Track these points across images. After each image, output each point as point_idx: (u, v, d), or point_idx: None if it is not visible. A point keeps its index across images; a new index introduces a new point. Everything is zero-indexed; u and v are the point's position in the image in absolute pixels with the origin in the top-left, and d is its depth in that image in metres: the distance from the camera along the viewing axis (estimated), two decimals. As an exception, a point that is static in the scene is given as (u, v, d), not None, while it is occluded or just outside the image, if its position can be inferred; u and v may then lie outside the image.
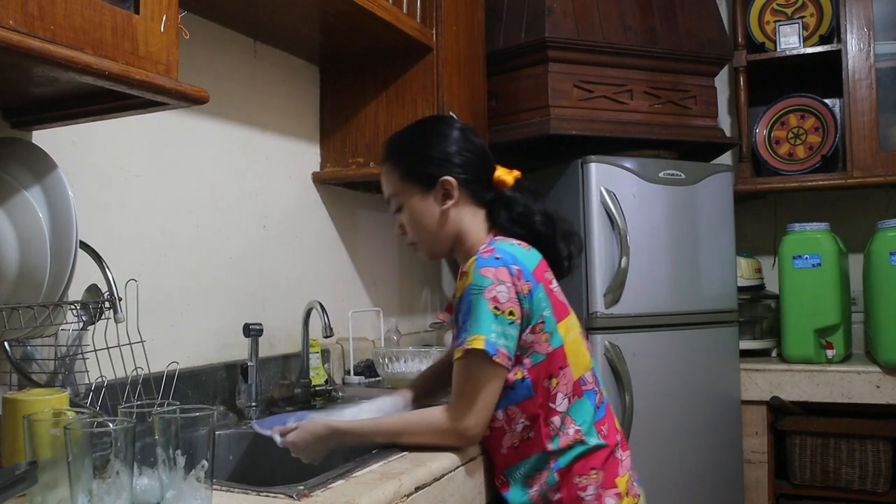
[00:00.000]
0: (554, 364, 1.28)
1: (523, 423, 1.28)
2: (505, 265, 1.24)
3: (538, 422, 1.28)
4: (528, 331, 1.26)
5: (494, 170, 1.41)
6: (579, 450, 1.28)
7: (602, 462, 1.29)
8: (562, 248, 1.38)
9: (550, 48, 2.31)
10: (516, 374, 1.27)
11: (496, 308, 1.21)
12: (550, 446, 1.27)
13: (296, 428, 1.32)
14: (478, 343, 1.20)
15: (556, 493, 1.28)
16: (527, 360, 1.27)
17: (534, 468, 1.29)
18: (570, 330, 1.32)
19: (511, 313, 1.22)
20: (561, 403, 1.28)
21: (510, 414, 1.28)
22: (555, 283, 1.33)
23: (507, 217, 1.37)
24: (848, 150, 2.59)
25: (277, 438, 1.34)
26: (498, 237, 1.35)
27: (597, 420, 1.31)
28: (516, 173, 1.41)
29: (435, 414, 1.27)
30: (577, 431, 1.28)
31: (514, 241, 1.32)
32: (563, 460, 1.28)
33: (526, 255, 1.30)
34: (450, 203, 1.36)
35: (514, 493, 1.31)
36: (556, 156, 2.36)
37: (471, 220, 1.39)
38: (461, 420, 1.23)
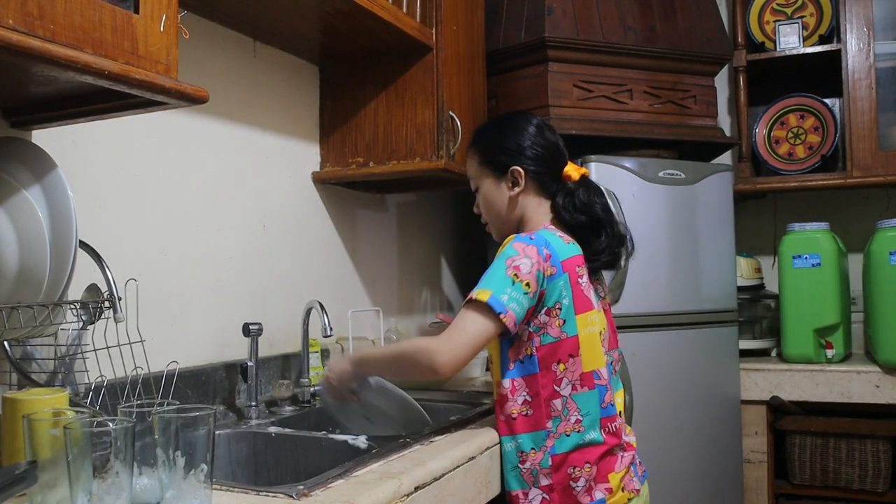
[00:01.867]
0: (563, 350, 1.35)
1: (525, 397, 1.35)
2: (536, 245, 1.34)
3: (539, 400, 1.34)
4: (542, 312, 1.34)
5: (565, 165, 1.51)
6: (577, 440, 1.33)
7: (598, 457, 1.34)
8: (610, 243, 1.45)
9: (550, 48, 2.31)
10: (527, 350, 1.35)
11: (515, 275, 1.30)
12: (549, 425, 1.33)
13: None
14: (482, 296, 1.29)
15: (546, 477, 1.33)
16: (537, 339, 1.35)
17: (529, 444, 1.34)
18: (589, 325, 1.38)
19: (528, 284, 1.30)
20: (565, 388, 1.34)
21: (515, 385, 1.36)
22: (584, 279, 1.40)
23: (567, 204, 1.46)
24: (848, 149, 2.59)
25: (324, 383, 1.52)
26: (549, 226, 1.44)
27: (603, 416, 1.36)
28: (584, 170, 1.52)
29: (422, 341, 1.36)
30: (577, 421, 1.34)
31: (558, 233, 1.40)
32: (560, 447, 1.33)
33: (563, 245, 1.38)
34: (517, 190, 1.48)
35: (507, 462, 1.37)
36: (555, 155, 2.36)
37: (535, 208, 1.49)
38: (437, 345, 1.29)
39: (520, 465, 1.35)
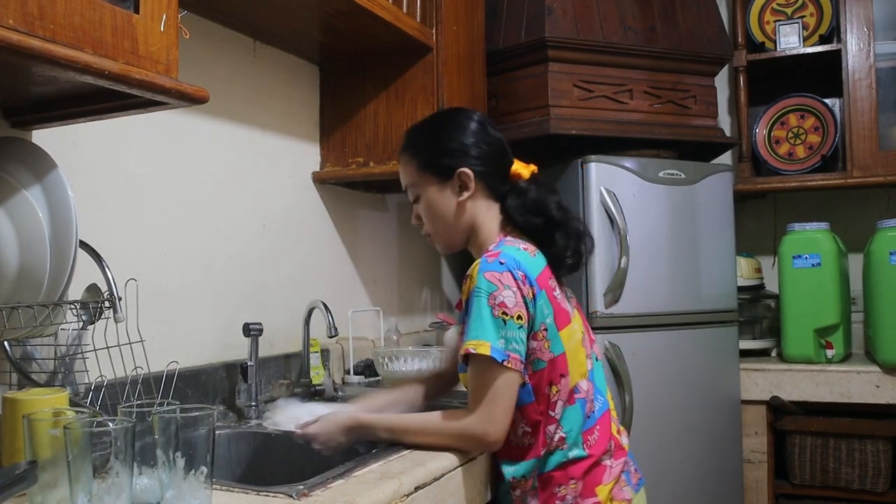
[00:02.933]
0: (555, 371, 1.28)
1: (524, 428, 1.29)
2: (509, 270, 1.24)
3: (538, 429, 1.28)
4: (531, 337, 1.26)
5: (512, 163, 1.41)
6: (560, 458, 1.28)
7: (583, 472, 1.28)
8: (569, 243, 1.36)
9: (550, 48, 2.31)
10: (520, 378, 1.26)
11: (504, 314, 1.21)
12: (542, 451, 1.28)
13: (315, 421, 1.34)
14: (483, 349, 1.21)
15: (533, 498, 1.29)
16: (528, 367, 1.27)
17: (523, 473, 1.29)
18: (571, 336, 1.31)
19: (519, 317, 1.22)
20: (558, 412, 1.28)
21: (513, 418, 1.27)
22: (558, 290, 1.33)
23: (519, 206, 1.36)
24: (848, 149, 2.59)
25: (297, 430, 1.36)
26: (507, 238, 1.34)
27: (585, 430, 1.30)
28: (533, 167, 1.41)
29: (457, 418, 1.26)
30: (561, 438, 1.28)
31: (521, 246, 1.31)
32: (544, 467, 1.29)
33: (531, 260, 1.29)
34: (466, 195, 1.37)
35: (502, 487, 1.33)
36: (556, 156, 2.36)
37: (485, 212, 1.38)
38: (483, 427, 1.23)
39: (512, 491, 1.30)
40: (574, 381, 1.30)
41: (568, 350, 1.29)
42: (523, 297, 1.24)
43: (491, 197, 1.39)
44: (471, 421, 1.24)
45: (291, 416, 1.49)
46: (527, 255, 1.29)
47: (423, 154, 1.40)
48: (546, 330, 1.27)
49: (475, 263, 1.27)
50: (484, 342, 1.21)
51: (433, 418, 1.30)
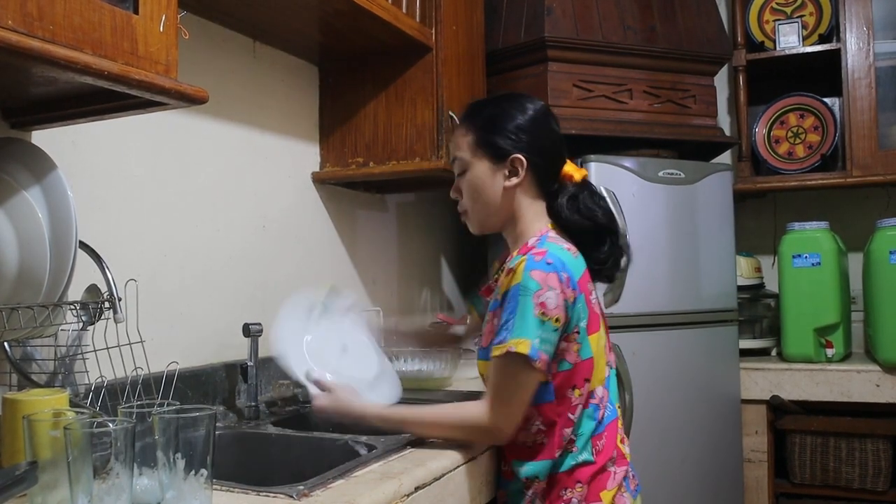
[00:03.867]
0: (579, 375, 1.28)
1: (538, 426, 1.28)
2: (555, 271, 1.23)
3: (554, 430, 1.28)
4: (562, 338, 1.26)
5: (564, 163, 1.39)
6: (570, 461, 1.28)
7: (589, 477, 1.28)
8: (612, 252, 1.36)
9: (550, 48, 2.31)
10: (542, 378, 1.26)
11: (543, 314, 1.21)
12: (558, 454, 1.28)
13: (329, 390, 1.38)
14: (523, 347, 1.20)
15: (541, 500, 1.29)
16: (554, 367, 1.26)
17: (535, 473, 1.28)
18: (598, 342, 1.31)
19: (557, 320, 1.22)
20: (577, 415, 1.29)
21: (528, 414, 1.28)
22: (594, 294, 1.33)
23: (570, 206, 1.34)
24: (847, 149, 2.60)
25: (312, 389, 1.39)
26: (550, 234, 1.33)
27: (594, 435, 1.30)
28: (584, 172, 1.40)
29: (471, 410, 1.28)
30: (571, 441, 1.28)
31: (565, 246, 1.30)
32: (554, 469, 1.28)
33: (574, 262, 1.28)
34: (515, 181, 1.34)
35: (513, 486, 1.32)
36: (555, 155, 2.36)
37: (528, 206, 1.37)
38: (497, 420, 1.24)
39: (525, 490, 1.30)
40: (593, 387, 1.30)
41: (595, 355, 1.29)
42: (565, 299, 1.23)
43: (538, 190, 1.37)
44: (488, 416, 1.25)
45: (299, 355, 1.48)
46: (570, 256, 1.28)
47: (482, 130, 1.37)
48: (578, 333, 1.27)
49: (520, 260, 1.25)
50: (525, 340, 1.20)
51: (449, 411, 1.31)
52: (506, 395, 1.23)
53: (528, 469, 1.29)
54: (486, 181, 1.36)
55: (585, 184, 1.39)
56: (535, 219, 1.37)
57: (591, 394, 1.30)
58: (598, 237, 1.34)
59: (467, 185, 1.39)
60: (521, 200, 1.36)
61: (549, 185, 1.37)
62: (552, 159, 1.38)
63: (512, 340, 1.21)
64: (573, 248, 1.31)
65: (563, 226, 1.35)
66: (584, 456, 1.28)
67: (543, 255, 1.25)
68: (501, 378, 1.24)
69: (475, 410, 1.27)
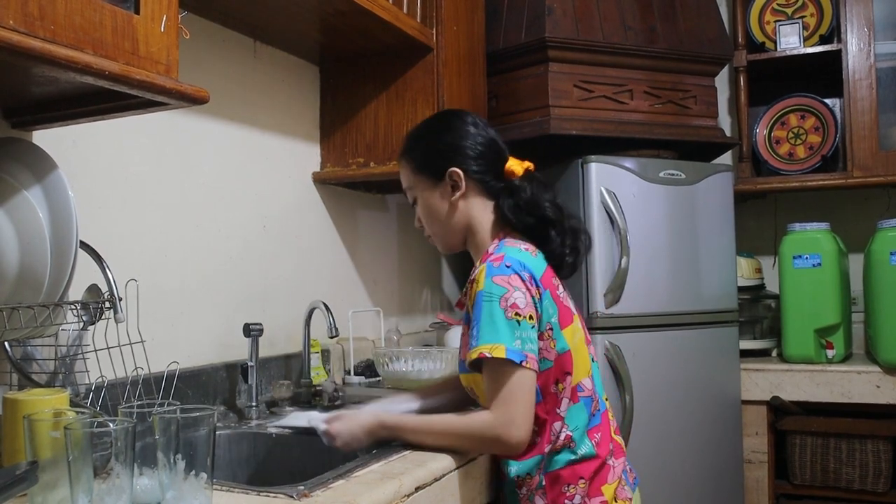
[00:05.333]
0: (560, 370, 1.28)
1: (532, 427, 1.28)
2: (515, 272, 1.25)
3: (544, 427, 1.28)
4: (538, 337, 1.26)
5: (506, 161, 1.41)
6: (569, 457, 1.28)
7: (591, 472, 1.29)
8: (565, 240, 1.36)
9: (550, 48, 2.31)
10: (535, 377, 1.26)
11: (517, 315, 1.21)
12: (547, 448, 1.28)
13: (338, 417, 1.34)
14: (498, 352, 1.20)
15: (541, 497, 1.28)
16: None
17: (527, 470, 1.29)
18: (574, 334, 1.32)
19: (531, 317, 1.23)
20: (563, 409, 1.29)
21: None
22: (561, 289, 1.33)
23: (512, 206, 1.35)
24: (848, 149, 2.59)
25: (321, 427, 1.35)
26: (507, 240, 1.34)
27: (590, 428, 1.31)
28: (528, 164, 1.41)
29: (481, 420, 1.25)
30: (567, 437, 1.28)
31: (522, 247, 1.31)
32: (552, 465, 1.28)
33: (533, 261, 1.30)
34: (458, 194, 1.37)
35: (507, 486, 1.32)
36: (556, 156, 2.36)
37: (481, 211, 1.39)
38: (505, 428, 1.22)
39: (517, 489, 1.30)
40: (578, 379, 1.30)
41: (572, 347, 1.30)
42: (532, 297, 1.24)
43: (486, 196, 1.39)
44: (493, 423, 1.23)
45: (307, 416, 1.48)
46: (529, 256, 1.30)
47: (417, 156, 1.42)
48: (551, 329, 1.28)
49: (481, 268, 1.27)
50: (498, 345, 1.20)
51: (456, 421, 1.29)
52: (507, 402, 1.22)
53: (518, 467, 1.29)
54: (433, 202, 1.40)
55: (528, 177, 1.39)
56: (489, 225, 1.39)
57: (578, 386, 1.30)
58: (545, 229, 1.35)
59: (422, 212, 1.44)
60: (473, 210, 1.39)
61: (494, 186, 1.39)
62: (490, 162, 1.39)
63: (483, 346, 1.22)
64: (531, 248, 1.32)
65: (511, 226, 1.36)
66: (584, 450, 1.29)
67: (501, 260, 1.26)
68: (495, 386, 1.23)
69: (484, 421, 1.25)
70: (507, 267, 1.25)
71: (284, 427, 1.53)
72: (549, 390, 1.28)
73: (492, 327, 1.22)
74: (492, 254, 1.30)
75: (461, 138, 1.39)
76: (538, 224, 1.35)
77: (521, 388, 1.22)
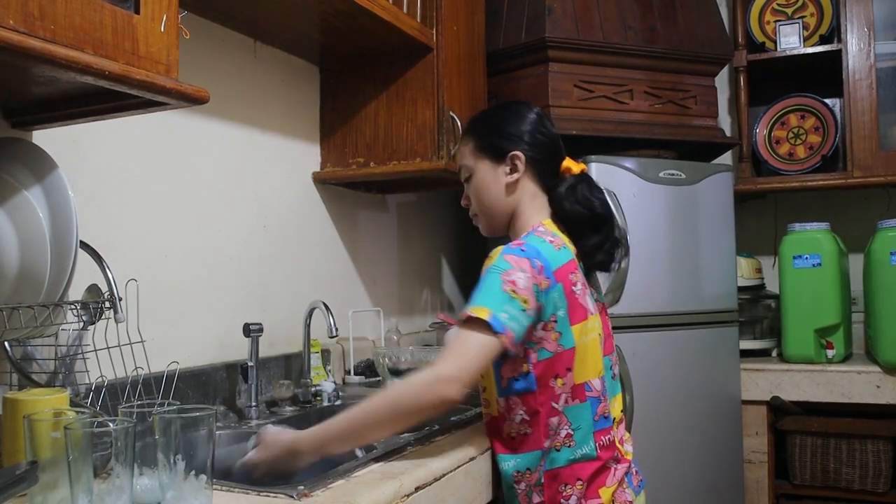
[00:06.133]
0: (561, 364, 1.28)
1: (522, 416, 1.29)
2: (528, 258, 1.25)
3: (538, 419, 1.27)
4: (539, 327, 1.26)
5: (563, 160, 1.45)
6: (568, 455, 1.28)
7: (590, 474, 1.28)
8: (605, 241, 1.39)
9: (551, 48, 2.31)
10: (522, 367, 1.27)
11: (513, 291, 1.21)
12: (546, 444, 1.28)
13: (257, 444, 1.26)
14: (482, 313, 1.19)
15: (538, 495, 1.28)
16: (533, 356, 1.27)
17: (526, 465, 1.29)
18: (586, 333, 1.31)
19: (525, 301, 1.22)
20: (562, 405, 1.28)
21: (510, 404, 1.29)
22: (579, 286, 1.32)
23: (568, 193, 1.39)
24: (848, 149, 2.59)
25: (241, 461, 1.26)
26: (539, 229, 1.35)
27: (597, 430, 1.30)
28: (583, 165, 1.45)
29: (416, 375, 1.19)
30: (568, 435, 1.28)
31: (547, 239, 1.32)
32: (552, 463, 1.28)
33: (553, 253, 1.30)
34: (515, 176, 1.40)
35: (505, 481, 1.32)
36: (556, 156, 2.36)
37: (530, 200, 1.41)
38: (447, 369, 1.16)
39: (515, 485, 1.30)
40: (584, 378, 1.30)
41: (579, 345, 1.29)
42: (535, 285, 1.23)
43: (539, 185, 1.42)
44: (433, 371, 1.17)
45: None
46: (550, 248, 1.30)
47: (481, 135, 1.44)
48: (556, 321, 1.27)
49: (498, 248, 1.29)
50: (486, 308, 1.19)
51: (378, 396, 1.21)
52: (455, 349, 1.19)
53: (515, 463, 1.29)
54: (489, 180, 1.42)
55: (584, 176, 1.44)
56: (534, 213, 1.41)
57: (586, 385, 1.30)
58: (594, 226, 1.38)
59: (473, 189, 1.45)
60: (523, 195, 1.41)
61: (549, 179, 1.43)
62: (550, 155, 1.43)
63: (472, 307, 1.21)
64: (557, 241, 1.33)
65: (561, 214, 1.39)
66: (586, 451, 1.28)
67: (521, 244, 1.29)
68: (456, 339, 1.20)
69: (416, 375, 1.19)
70: (523, 251, 1.26)
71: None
72: (547, 382, 1.27)
73: (486, 294, 1.22)
74: (515, 239, 1.33)
75: (527, 125, 1.42)
76: (585, 217, 1.38)
77: (480, 348, 1.18)
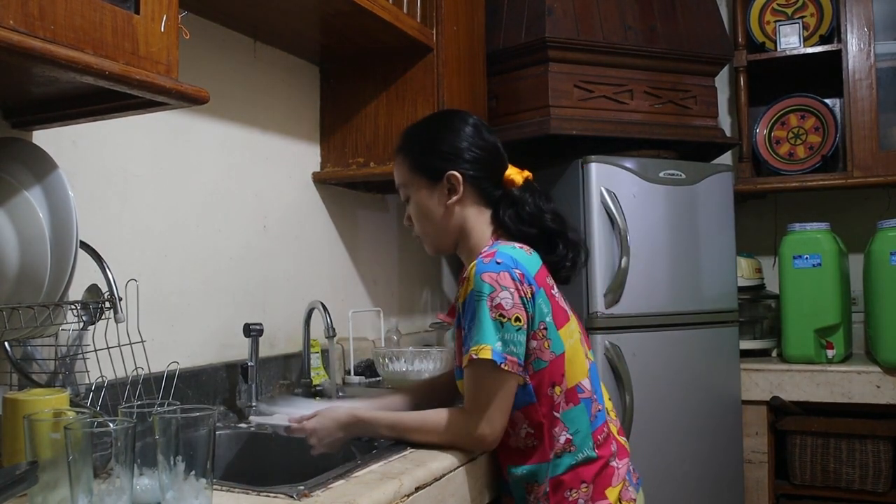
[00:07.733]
0: (556, 372, 1.27)
1: (526, 429, 1.28)
2: (507, 269, 1.23)
3: (542, 431, 1.27)
4: (531, 337, 1.25)
5: (506, 168, 1.40)
6: (570, 461, 1.27)
7: (593, 475, 1.27)
8: (567, 253, 1.36)
9: (551, 48, 2.31)
10: (518, 380, 1.26)
11: (501, 316, 1.20)
12: (551, 455, 1.27)
13: (313, 416, 1.33)
14: (484, 353, 1.20)
15: (546, 502, 1.27)
16: (530, 367, 1.26)
17: (534, 476, 1.28)
18: (571, 335, 1.30)
19: (517, 319, 1.21)
20: (561, 412, 1.28)
21: (514, 419, 1.28)
22: (556, 288, 1.32)
23: (514, 216, 1.35)
24: (848, 149, 2.60)
25: (288, 425, 1.34)
26: (500, 240, 1.33)
27: (593, 429, 1.29)
28: (527, 174, 1.40)
29: (453, 417, 1.26)
30: (567, 440, 1.27)
31: (516, 245, 1.30)
32: (555, 470, 1.27)
33: (527, 258, 1.28)
34: (454, 198, 1.35)
35: (516, 493, 1.31)
36: (556, 156, 2.36)
37: (476, 218, 1.37)
38: (476, 427, 1.23)
39: (527, 495, 1.29)
40: (576, 381, 1.29)
41: (567, 349, 1.28)
42: (521, 296, 1.23)
43: (482, 202, 1.37)
44: (468, 423, 1.24)
45: (284, 412, 1.47)
46: (523, 254, 1.28)
47: (415, 155, 1.39)
48: (546, 329, 1.26)
49: (471, 265, 1.26)
50: (485, 346, 1.20)
51: (432, 417, 1.29)
52: (482, 402, 1.23)
53: (523, 473, 1.29)
54: (429, 203, 1.38)
55: (528, 186, 1.38)
56: (485, 229, 1.37)
57: (577, 387, 1.29)
58: (548, 241, 1.34)
59: (414, 211, 1.41)
60: (468, 215, 1.37)
61: (492, 193, 1.38)
62: (491, 169, 1.38)
63: (473, 348, 1.21)
64: (526, 247, 1.31)
65: (511, 235, 1.35)
66: (586, 453, 1.27)
67: (492, 257, 1.25)
68: (473, 387, 1.24)
69: (455, 418, 1.26)
70: (498, 264, 1.23)
71: (267, 425, 1.50)
72: (545, 392, 1.27)
73: (478, 327, 1.21)
74: (484, 252, 1.29)
75: (462, 140, 1.36)
76: (538, 236, 1.34)
77: (498, 390, 1.22)
